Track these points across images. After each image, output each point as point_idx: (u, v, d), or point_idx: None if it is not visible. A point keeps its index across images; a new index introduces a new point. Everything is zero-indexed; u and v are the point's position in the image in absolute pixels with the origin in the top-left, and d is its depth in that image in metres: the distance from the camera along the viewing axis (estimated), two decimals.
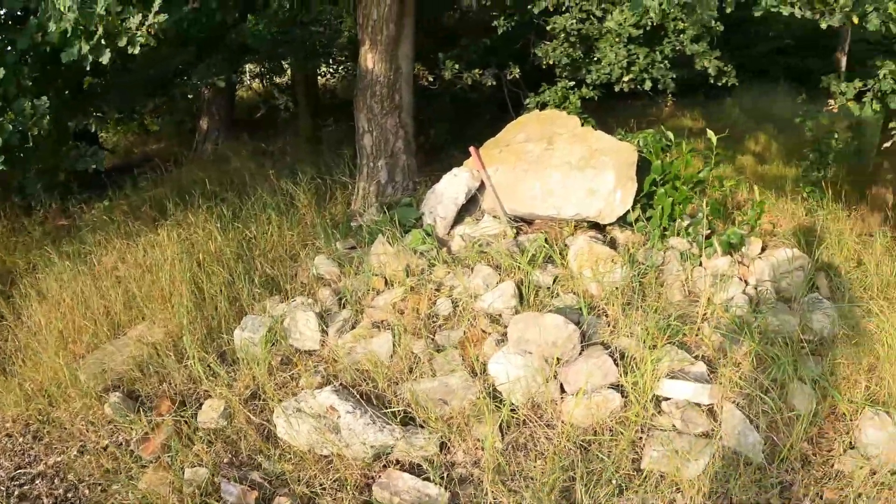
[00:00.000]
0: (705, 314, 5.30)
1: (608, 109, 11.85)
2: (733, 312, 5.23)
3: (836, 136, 7.05)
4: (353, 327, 5.57)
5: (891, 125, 5.45)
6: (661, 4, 4.87)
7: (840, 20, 4.51)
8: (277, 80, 16.91)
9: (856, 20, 4.46)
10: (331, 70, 15.74)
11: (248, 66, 15.46)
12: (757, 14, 4.41)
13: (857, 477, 4.25)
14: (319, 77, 16.27)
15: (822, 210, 7.26)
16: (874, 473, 4.28)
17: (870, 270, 6.14)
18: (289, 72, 16.03)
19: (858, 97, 5.56)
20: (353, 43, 12.05)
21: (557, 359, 4.76)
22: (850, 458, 4.38)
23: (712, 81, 8.10)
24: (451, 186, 6.65)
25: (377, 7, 7.82)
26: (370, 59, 8.07)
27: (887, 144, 5.62)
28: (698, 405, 4.61)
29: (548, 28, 8.75)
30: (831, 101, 5.75)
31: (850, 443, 4.52)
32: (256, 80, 17.75)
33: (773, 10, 4.23)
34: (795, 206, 7.47)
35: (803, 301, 5.61)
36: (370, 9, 7.91)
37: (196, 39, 11.06)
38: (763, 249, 6.15)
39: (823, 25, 4.68)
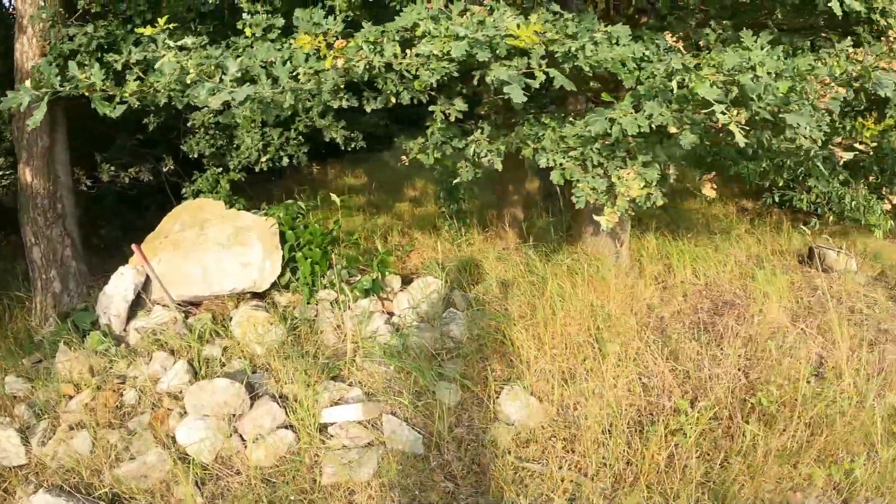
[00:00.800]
0: (356, 348, 6.61)
1: (277, 180, 13.05)
2: (379, 341, 6.58)
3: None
4: (54, 433, 6.18)
5: (458, 166, 6.98)
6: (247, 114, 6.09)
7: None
8: None
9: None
10: None
11: None
12: (335, 105, 5.73)
13: (504, 440, 5.68)
14: None
15: (461, 237, 8.93)
16: (519, 433, 5.78)
17: (495, 279, 7.76)
18: None
19: (423, 150, 7.05)
20: (13, 153, 12.29)
21: (232, 415, 5.84)
22: (496, 428, 5.81)
23: (343, 148, 9.29)
24: (120, 285, 7.36)
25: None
26: (28, 173, 8.58)
27: (457, 180, 7.14)
28: (360, 423, 5.84)
29: (188, 123, 9.68)
30: (404, 157, 7.24)
31: (495, 416, 5.96)
32: None
33: (333, 103, 5.57)
34: (438, 238, 9.10)
35: (442, 317, 7.04)
36: (23, 121, 8.31)
37: None
38: (410, 282, 7.59)
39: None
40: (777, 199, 11.66)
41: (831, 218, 11.21)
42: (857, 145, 4.49)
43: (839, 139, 4.51)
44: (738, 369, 6.64)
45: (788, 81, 4.16)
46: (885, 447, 5.61)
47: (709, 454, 5.70)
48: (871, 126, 4.49)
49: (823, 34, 6.58)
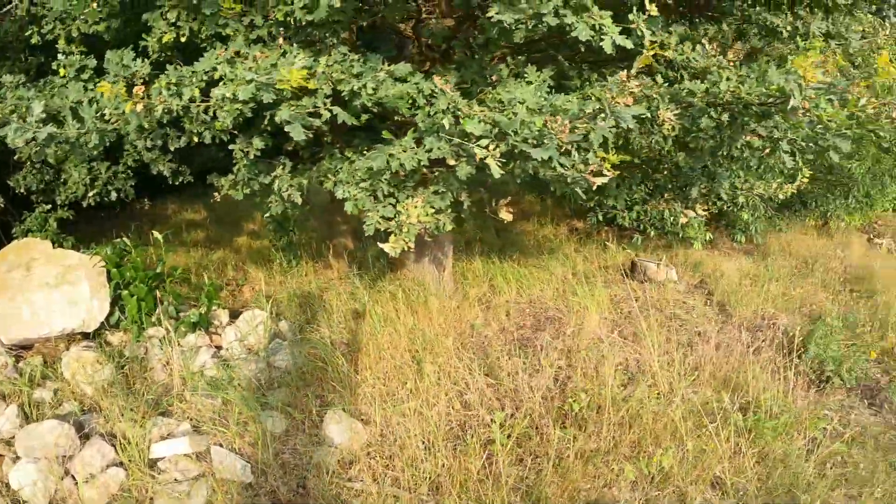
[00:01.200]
0: (183, 383, 6.91)
1: (113, 217, 13.14)
2: (206, 374, 6.91)
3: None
4: None
5: (268, 200, 7.44)
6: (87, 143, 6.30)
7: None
8: None
9: None
10: None
11: None
12: (140, 145, 6.09)
13: (328, 462, 6.09)
14: None
15: (291, 269, 9.37)
16: (343, 455, 6.23)
17: (320, 308, 8.21)
18: None
19: (234, 186, 7.48)
20: None
21: (63, 456, 6.05)
22: (320, 452, 6.25)
23: (171, 181, 9.22)
24: None
25: None
26: None
27: (268, 215, 7.59)
28: (189, 455, 6.13)
29: (16, 157, 9.35)
30: (216, 194, 7.66)
31: (320, 440, 6.39)
32: None
33: (138, 143, 5.92)
34: (271, 271, 9.50)
35: (269, 348, 7.42)
36: None
37: None
38: (239, 315, 7.93)
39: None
40: (602, 218, 12.49)
41: (652, 233, 12.10)
42: (605, 172, 5.05)
43: (591, 166, 5.06)
44: (555, 379, 7.22)
45: (543, 116, 4.72)
46: (691, 438, 6.26)
47: (522, 460, 6.24)
48: (611, 157, 5.11)
49: (619, 66, 7.23)
